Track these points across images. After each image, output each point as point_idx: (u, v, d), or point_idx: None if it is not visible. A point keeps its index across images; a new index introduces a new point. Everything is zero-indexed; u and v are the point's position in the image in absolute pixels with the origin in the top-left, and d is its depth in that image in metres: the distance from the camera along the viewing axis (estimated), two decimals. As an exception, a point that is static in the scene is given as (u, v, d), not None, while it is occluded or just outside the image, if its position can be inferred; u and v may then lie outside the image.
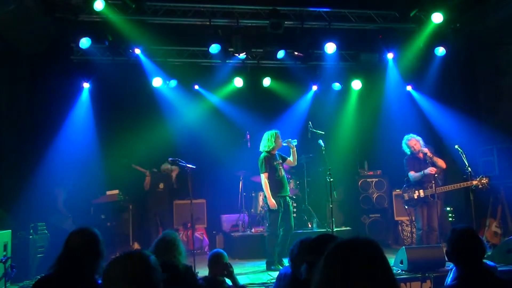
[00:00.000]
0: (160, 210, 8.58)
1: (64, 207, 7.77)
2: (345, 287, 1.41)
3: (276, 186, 6.67)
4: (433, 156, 6.86)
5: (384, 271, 1.46)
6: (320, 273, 1.48)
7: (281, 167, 6.82)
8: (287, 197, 6.85)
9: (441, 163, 6.89)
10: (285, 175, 6.88)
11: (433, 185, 6.68)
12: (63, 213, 7.75)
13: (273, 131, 6.83)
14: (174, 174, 8.82)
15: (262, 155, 6.76)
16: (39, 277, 5.75)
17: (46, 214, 7.55)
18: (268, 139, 6.76)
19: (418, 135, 7.10)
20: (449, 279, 3.49)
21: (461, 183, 6.77)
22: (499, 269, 5.39)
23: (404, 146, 7.05)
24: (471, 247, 2.56)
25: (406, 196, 6.99)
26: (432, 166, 6.77)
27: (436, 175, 6.73)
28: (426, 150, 6.87)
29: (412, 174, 6.95)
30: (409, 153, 7.01)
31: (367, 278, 1.42)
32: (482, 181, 6.53)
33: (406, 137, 7.06)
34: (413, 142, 6.94)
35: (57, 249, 2.76)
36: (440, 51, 8.27)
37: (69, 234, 2.74)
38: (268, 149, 6.74)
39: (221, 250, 4.41)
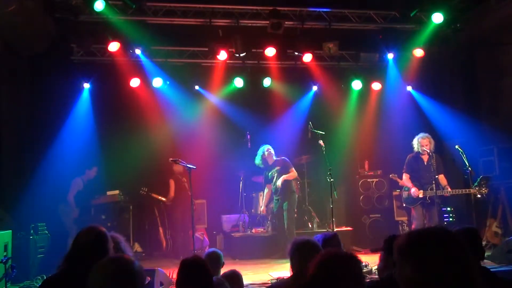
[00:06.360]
0: (162, 210, 8.55)
1: (75, 199, 7.75)
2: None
3: None
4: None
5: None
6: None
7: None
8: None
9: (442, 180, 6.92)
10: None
11: (434, 186, 6.68)
12: (70, 204, 7.71)
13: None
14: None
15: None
16: (40, 277, 5.82)
17: (56, 200, 7.56)
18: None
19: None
20: None
21: (461, 190, 6.83)
22: (499, 269, 5.40)
23: (414, 142, 7.00)
24: (476, 247, 2.62)
25: (405, 194, 7.00)
26: (438, 174, 6.77)
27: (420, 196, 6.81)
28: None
29: (404, 177, 7.05)
30: (415, 150, 7.00)
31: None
32: (482, 190, 6.54)
33: (421, 134, 7.00)
34: (426, 142, 6.87)
35: (57, 246, 2.77)
36: (441, 51, 8.26)
37: (78, 233, 2.75)
38: None
39: (218, 250, 4.39)
